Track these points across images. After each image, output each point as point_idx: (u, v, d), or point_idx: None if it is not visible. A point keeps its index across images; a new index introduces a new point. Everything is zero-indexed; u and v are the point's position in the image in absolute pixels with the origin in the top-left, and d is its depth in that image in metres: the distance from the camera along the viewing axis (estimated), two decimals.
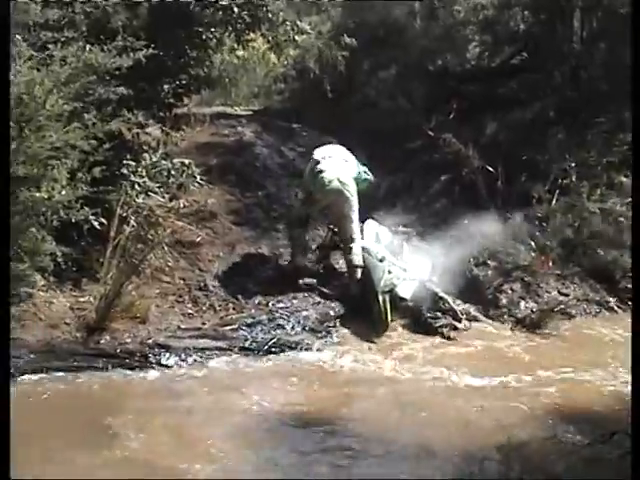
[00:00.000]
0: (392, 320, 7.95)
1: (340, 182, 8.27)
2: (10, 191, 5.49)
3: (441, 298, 8.18)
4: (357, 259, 8.30)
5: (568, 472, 5.04)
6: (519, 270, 8.84)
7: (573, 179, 9.90)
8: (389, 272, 8.14)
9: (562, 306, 8.44)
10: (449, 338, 7.82)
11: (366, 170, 8.83)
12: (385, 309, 7.89)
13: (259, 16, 9.03)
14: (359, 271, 8.31)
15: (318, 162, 8.43)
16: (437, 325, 7.92)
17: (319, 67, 13.47)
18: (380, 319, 7.87)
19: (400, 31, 14.61)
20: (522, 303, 8.48)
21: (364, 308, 8.06)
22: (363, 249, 8.35)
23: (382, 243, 8.58)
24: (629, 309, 8.69)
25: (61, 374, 6.49)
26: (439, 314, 8.03)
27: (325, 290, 8.37)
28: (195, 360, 6.90)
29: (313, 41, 12.74)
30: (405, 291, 8.18)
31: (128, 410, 6.08)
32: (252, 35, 9.69)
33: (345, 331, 7.83)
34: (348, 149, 8.86)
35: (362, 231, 8.59)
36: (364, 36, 14.18)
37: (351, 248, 8.31)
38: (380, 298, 7.91)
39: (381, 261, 8.24)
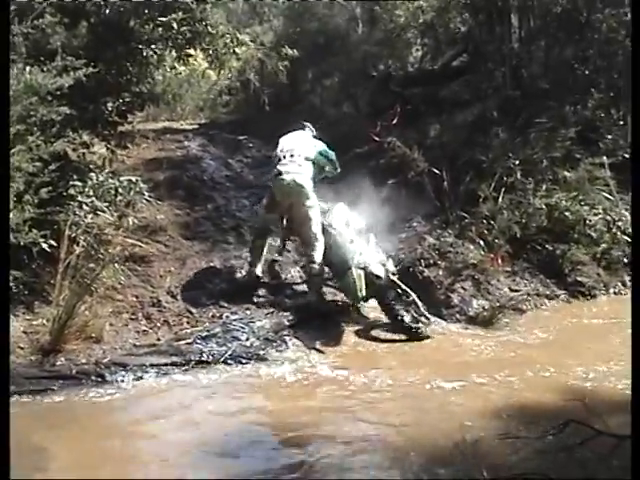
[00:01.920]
0: (365, 298, 8.05)
1: (296, 184, 8.27)
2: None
3: (405, 291, 8.20)
4: (317, 269, 8.32)
5: (521, 464, 5.13)
6: (469, 269, 8.95)
7: (518, 176, 10.05)
8: (360, 254, 8.18)
9: (513, 302, 8.55)
10: (420, 338, 7.86)
11: (326, 151, 8.74)
12: (360, 283, 7.92)
13: (199, 30, 9.05)
14: (318, 280, 8.37)
15: (279, 160, 8.45)
16: (408, 322, 7.93)
17: (260, 79, 13.55)
18: (353, 294, 7.97)
19: (342, 37, 14.73)
20: (474, 301, 8.57)
21: (318, 315, 8.11)
22: (333, 228, 8.42)
23: (351, 227, 8.55)
24: (579, 301, 8.91)
25: (16, 398, 6.35)
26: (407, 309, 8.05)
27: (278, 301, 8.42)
28: (151, 376, 6.85)
29: (253, 52, 12.80)
30: (379, 270, 8.20)
31: (77, 432, 6.00)
32: (192, 50, 9.70)
33: (301, 339, 7.79)
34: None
35: (331, 212, 8.65)
36: (306, 44, 14.28)
37: (312, 255, 8.32)
38: (354, 272, 7.94)
39: (351, 243, 8.28)
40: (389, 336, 7.97)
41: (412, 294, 8.21)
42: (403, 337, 7.90)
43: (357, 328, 8.12)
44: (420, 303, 8.19)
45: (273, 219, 8.72)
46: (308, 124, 9.14)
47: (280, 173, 8.34)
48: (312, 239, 8.34)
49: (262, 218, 8.83)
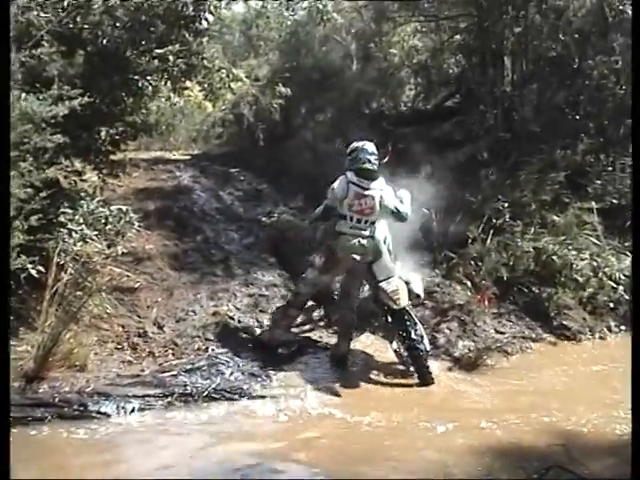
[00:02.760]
0: (402, 308, 7.88)
1: (361, 245, 7.89)
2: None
3: (416, 324, 8.03)
4: (354, 320, 8.22)
5: None
6: (456, 309, 8.98)
7: (507, 218, 10.13)
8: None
9: (499, 344, 8.55)
10: (427, 381, 7.73)
11: (396, 208, 8.04)
12: (404, 294, 7.84)
13: (194, 64, 9.09)
14: (352, 331, 8.24)
15: (344, 218, 7.92)
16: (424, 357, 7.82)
17: (254, 113, 13.63)
18: (394, 299, 7.79)
19: (337, 74, 14.85)
20: (459, 342, 8.57)
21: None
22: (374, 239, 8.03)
23: (387, 245, 8.28)
24: (564, 345, 8.94)
25: None
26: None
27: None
28: (134, 407, 6.80)
29: (248, 88, 12.88)
30: (419, 289, 8.20)
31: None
32: (188, 83, 9.74)
33: (286, 374, 7.76)
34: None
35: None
36: (301, 79, 14.38)
37: (353, 307, 8.18)
38: (397, 280, 7.88)
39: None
40: (381, 376, 7.95)
41: (421, 328, 8.10)
42: (395, 379, 7.87)
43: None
44: (427, 340, 8.10)
45: (324, 283, 8.39)
46: (375, 162, 8.15)
47: (344, 234, 7.90)
48: (357, 292, 8.25)
49: (312, 282, 8.29)
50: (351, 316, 8.20)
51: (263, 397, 7.22)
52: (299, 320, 8.78)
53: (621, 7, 11.23)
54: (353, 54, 15.50)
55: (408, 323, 7.89)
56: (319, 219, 8.22)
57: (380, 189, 7.99)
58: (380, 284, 7.91)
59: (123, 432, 6.44)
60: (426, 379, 7.72)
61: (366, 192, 7.91)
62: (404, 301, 7.88)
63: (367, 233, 7.93)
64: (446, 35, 14.37)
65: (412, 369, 7.87)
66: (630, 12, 10.96)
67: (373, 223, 7.98)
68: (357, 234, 7.89)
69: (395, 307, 7.86)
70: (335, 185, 7.97)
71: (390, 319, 8.10)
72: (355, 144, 8.25)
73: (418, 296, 8.21)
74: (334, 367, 8.07)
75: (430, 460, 6.05)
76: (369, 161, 8.06)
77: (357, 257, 7.88)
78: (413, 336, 7.80)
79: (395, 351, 8.19)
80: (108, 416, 6.65)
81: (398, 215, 8.07)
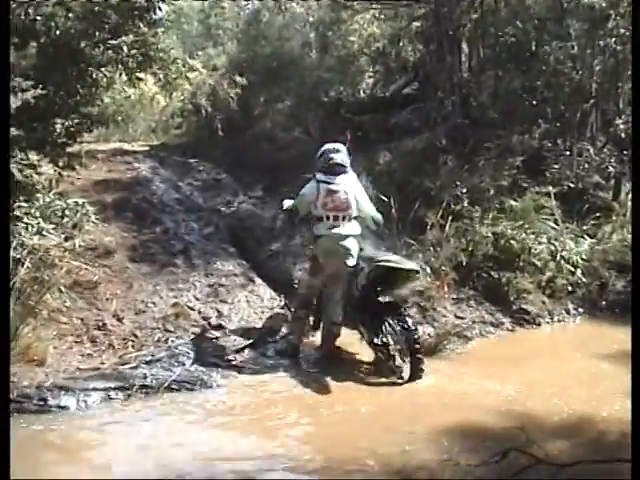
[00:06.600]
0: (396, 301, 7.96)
1: (344, 247, 7.72)
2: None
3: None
4: (338, 329, 8.00)
5: None
6: (416, 296, 9.00)
7: (465, 204, 10.19)
8: None
9: (458, 329, 8.60)
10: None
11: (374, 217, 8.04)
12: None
13: (150, 55, 9.01)
14: (334, 338, 8.05)
15: (320, 220, 7.78)
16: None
17: (211, 104, 13.60)
18: (398, 265, 7.63)
19: (295, 62, 14.87)
20: (420, 328, 8.58)
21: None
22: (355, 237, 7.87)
23: None
24: (523, 329, 9.01)
25: None
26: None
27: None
28: (94, 401, 6.77)
29: (205, 78, 12.84)
30: (415, 266, 7.91)
31: None
32: (143, 74, 9.65)
33: (247, 364, 7.76)
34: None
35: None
36: (259, 68, 14.38)
37: (337, 314, 7.88)
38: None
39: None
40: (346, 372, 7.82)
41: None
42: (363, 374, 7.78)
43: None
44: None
45: (318, 285, 8.11)
46: (345, 159, 7.94)
47: (324, 236, 7.76)
48: (340, 296, 7.89)
49: (307, 284, 8.28)
50: (335, 327, 7.95)
51: (223, 387, 7.22)
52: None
53: None
54: (311, 42, 15.51)
55: (405, 313, 7.78)
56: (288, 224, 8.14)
57: (351, 184, 7.86)
58: (379, 263, 7.64)
59: (83, 425, 6.41)
60: (418, 373, 7.43)
61: (336, 187, 7.74)
62: (412, 265, 7.78)
63: (346, 231, 7.75)
64: (404, 22, 14.40)
65: (403, 362, 7.60)
66: None
67: (350, 219, 7.80)
68: (336, 235, 7.72)
69: (408, 267, 7.65)
70: (304, 189, 7.89)
71: (379, 311, 7.83)
72: (324, 147, 8.01)
73: (417, 272, 7.90)
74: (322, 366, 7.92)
75: (389, 443, 6.07)
76: (337, 157, 7.87)
77: (346, 262, 7.74)
78: (411, 326, 7.56)
79: (376, 345, 7.76)
80: (68, 409, 6.63)
81: (375, 221, 8.05)
